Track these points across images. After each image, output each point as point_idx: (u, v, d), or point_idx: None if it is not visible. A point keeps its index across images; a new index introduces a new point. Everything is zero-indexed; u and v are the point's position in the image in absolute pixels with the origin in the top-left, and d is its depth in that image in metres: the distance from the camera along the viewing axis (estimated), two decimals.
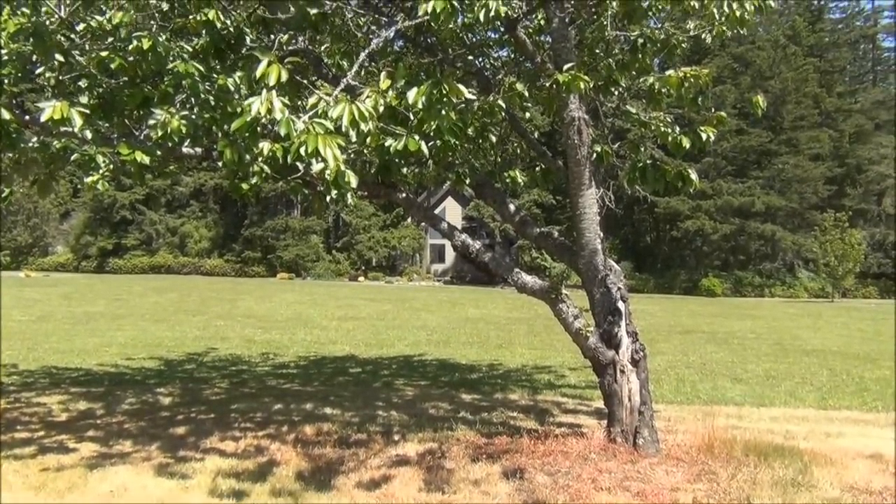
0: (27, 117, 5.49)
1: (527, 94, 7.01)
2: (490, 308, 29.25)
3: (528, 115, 8.26)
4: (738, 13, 6.47)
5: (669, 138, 7.02)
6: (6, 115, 4.71)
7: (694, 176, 6.92)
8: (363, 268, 57.82)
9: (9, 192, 6.47)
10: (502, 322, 23.14)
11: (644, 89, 7.30)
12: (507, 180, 8.38)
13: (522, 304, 27.67)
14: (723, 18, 6.59)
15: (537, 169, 8.53)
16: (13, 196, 6.57)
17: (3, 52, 5.35)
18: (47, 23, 5.34)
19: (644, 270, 53.92)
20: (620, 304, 6.93)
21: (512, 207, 7.95)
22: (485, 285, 48.45)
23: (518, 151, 8.85)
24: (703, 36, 6.95)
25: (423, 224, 54.48)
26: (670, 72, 6.64)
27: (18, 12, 5.37)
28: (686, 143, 6.89)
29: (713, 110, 6.87)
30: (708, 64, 35.92)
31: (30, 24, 5.19)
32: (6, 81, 5.35)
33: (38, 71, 5.78)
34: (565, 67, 5.96)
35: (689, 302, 40.09)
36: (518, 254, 52.19)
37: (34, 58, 5.56)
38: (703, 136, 6.75)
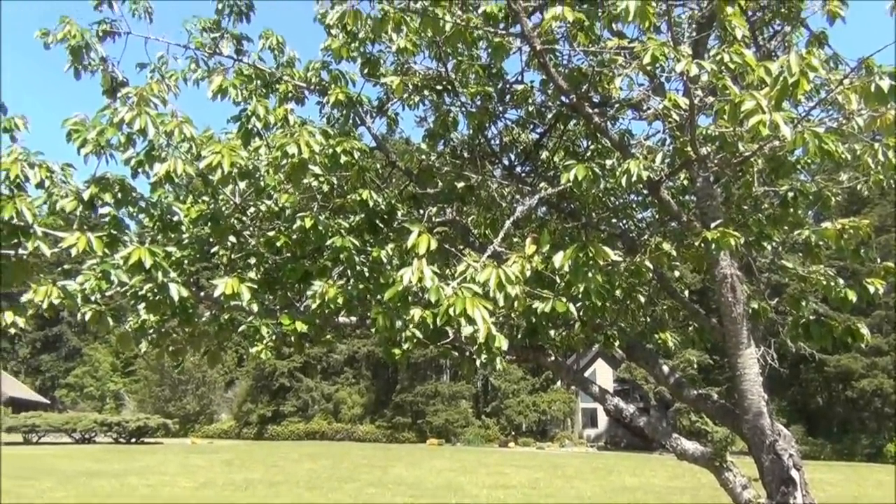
0: (202, 293, 5.97)
1: (674, 253, 6.92)
2: (648, 476, 27.56)
3: (677, 273, 8.11)
4: (894, 161, 6.23)
5: (833, 292, 6.65)
6: (184, 293, 5.14)
7: (864, 331, 6.45)
8: (513, 433, 56.58)
9: (181, 363, 6.95)
10: (663, 492, 21.67)
11: (800, 243, 7.03)
12: (659, 341, 8.13)
13: (684, 471, 25.92)
14: (878, 168, 6.35)
15: (690, 328, 8.25)
16: (184, 366, 7.03)
17: (185, 235, 5.94)
18: (223, 209, 5.93)
19: (818, 435, 49.56)
20: (794, 473, 6.34)
21: (665, 369, 7.65)
22: (641, 451, 45.99)
23: (669, 311, 8.63)
24: (858, 187, 6.71)
25: (573, 388, 53.19)
26: (827, 224, 6.39)
27: (199, 200, 6.01)
28: (852, 296, 6.49)
29: (879, 261, 6.49)
30: (868, 213, 34.30)
31: (209, 211, 5.78)
32: (186, 262, 5.90)
33: (213, 251, 6.34)
34: (713, 225, 5.87)
35: (874, 470, 36.11)
36: (676, 417, 49.53)
37: (210, 240, 6.13)
38: (871, 289, 6.34)
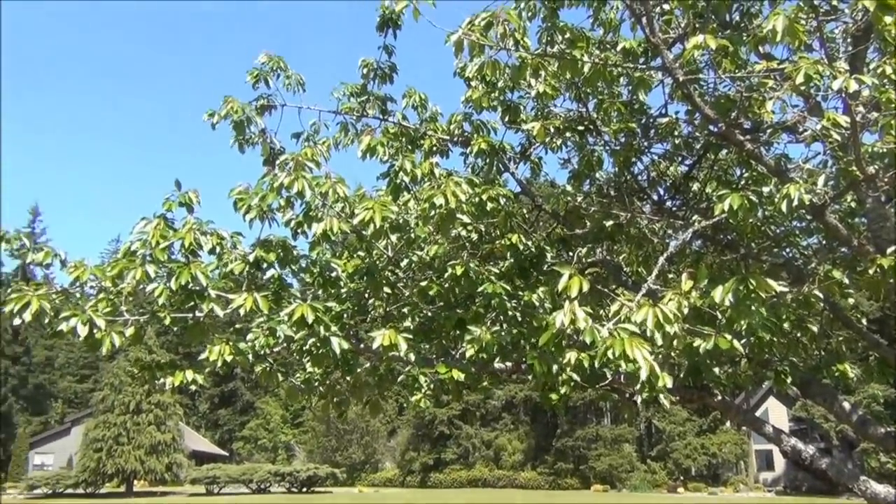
0: (361, 345, 6.17)
1: (846, 280, 6.45)
2: None
3: (851, 301, 7.54)
4: None
5: None
6: (345, 345, 5.33)
7: None
8: (681, 478, 54.01)
9: (345, 413, 7.18)
10: None
11: None
12: (837, 375, 7.56)
13: None
14: None
15: (871, 360, 7.61)
16: (348, 416, 7.25)
17: (343, 290, 6.18)
18: (377, 262, 6.14)
19: None
20: None
21: (847, 405, 7.08)
22: (826, 495, 42.56)
23: (845, 342, 8.02)
24: None
25: (744, 428, 50.26)
26: None
27: (355, 256, 6.26)
28: None
29: None
30: None
31: (364, 265, 6.00)
32: (345, 316, 6.13)
33: (369, 303, 6.55)
34: (889, 250, 5.45)
35: None
36: (863, 458, 45.56)
37: (367, 293, 6.34)
38: None
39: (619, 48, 6.28)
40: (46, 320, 4.90)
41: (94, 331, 4.87)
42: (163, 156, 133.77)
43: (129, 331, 5.22)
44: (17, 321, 4.86)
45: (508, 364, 6.39)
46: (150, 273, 5.00)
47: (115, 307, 5.18)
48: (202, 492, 52.62)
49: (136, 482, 52.28)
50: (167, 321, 5.20)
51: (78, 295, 5.17)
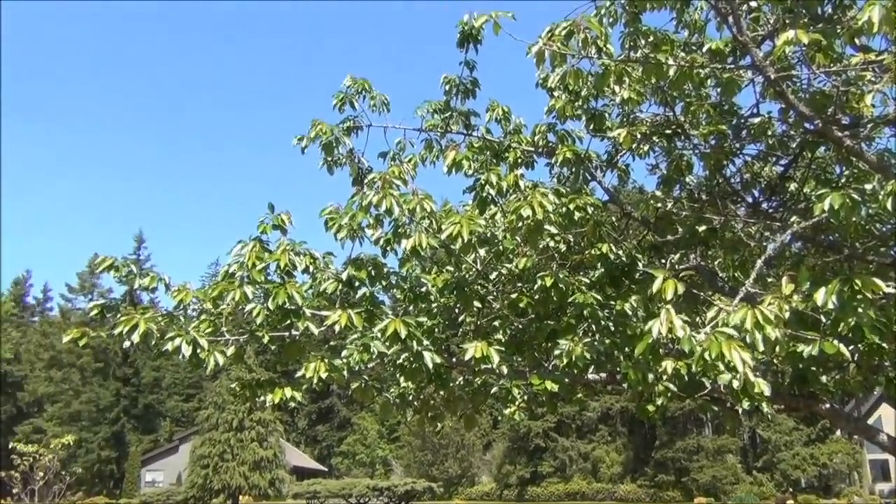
0: (453, 359, 6.20)
1: None
2: None
3: None
4: None
5: None
6: (437, 360, 5.37)
7: None
8: (790, 489, 51.76)
9: (440, 427, 7.22)
10: None
11: None
12: None
13: None
14: None
15: None
16: (443, 430, 7.28)
17: (434, 305, 6.24)
18: (466, 276, 6.17)
19: None
20: None
21: None
22: None
23: None
24: None
25: (856, 437, 47.92)
26: None
27: (444, 270, 6.30)
28: None
29: None
30: None
31: (453, 280, 6.04)
32: (437, 330, 6.17)
33: (460, 319, 6.58)
34: None
35: None
36: None
37: (457, 307, 6.37)
38: None
39: (705, 49, 6.13)
40: (153, 342, 5.14)
41: (198, 350, 5.07)
42: (254, 180, 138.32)
43: (230, 350, 5.41)
44: (126, 343, 5.11)
45: (603, 375, 6.30)
46: (248, 294, 5.18)
47: (217, 328, 5.38)
48: None
49: (241, 497, 53.85)
50: (265, 340, 5.36)
51: (182, 317, 5.40)
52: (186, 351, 5.02)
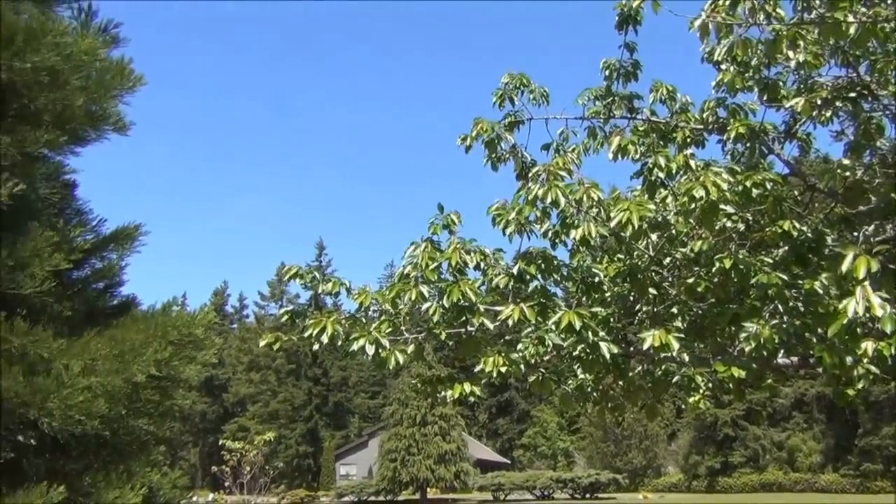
0: (631, 348, 6.07)
1: None
2: None
3: None
4: None
5: None
6: (614, 349, 5.28)
7: None
8: None
9: (621, 418, 7.10)
10: None
11: None
12: None
13: None
14: None
15: None
16: (625, 421, 7.17)
17: (607, 294, 6.14)
18: (639, 263, 6.02)
19: None
20: None
21: None
22: None
23: None
24: None
25: None
26: None
27: (615, 259, 6.19)
28: None
29: None
30: None
31: (625, 267, 5.92)
32: (612, 319, 6.07)
33: (636, 308, 6.43)
34: None
35: None
36: None
37: (631, 295, 6.24)
38: None
39: (890, 0, 5.61)
40: (339, 343, 5.42)
41: (380, 350, 5.29)
42: (420, 181, 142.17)
43: (410, 348, 5.60)
44: (315, 346, 5.44)
45: (794, 359, 5.94)
46: (424, 293, 5.34)
47: (396, 327, 5.59)
48: (489, 498, 54.62)
49: (428, 489, 55.59)
50: (443, 337, 5.50)
51: (364, 318, 5.66)
52: (370, 350, 5.25)
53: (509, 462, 71.36)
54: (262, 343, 5.90)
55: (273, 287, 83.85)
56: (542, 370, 5.81)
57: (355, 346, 5.25)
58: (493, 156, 6.69)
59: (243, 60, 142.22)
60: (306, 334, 5.37)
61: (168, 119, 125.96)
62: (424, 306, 5.40)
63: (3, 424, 4.43)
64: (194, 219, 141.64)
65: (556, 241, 5.66)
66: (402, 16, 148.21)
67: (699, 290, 5.78)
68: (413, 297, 5.33)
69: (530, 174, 5.82)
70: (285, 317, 5.94)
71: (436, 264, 5.44)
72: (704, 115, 6.58)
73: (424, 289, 5.35)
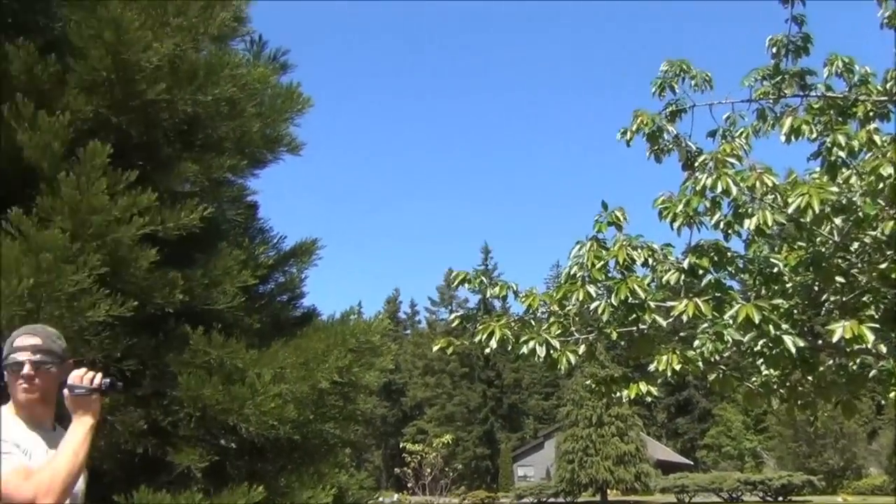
0: (819, 341, 5.70)
1: None
2: None
3: None
4: None
5: None
6: (800, 343, 4.98)
7: None
8: None
9: (814, 416, 6.67)
10: None
11: None
12: None
13: None
14: None
15: None
16: (819, 419, 6.73)
17: (788, 285, 5.80)
18: (822, 250, 5.64)
19: None
20: None
21: None
22: None
23: None
24: None
25: None
26: None
27: (795, 247, 5.84)
28: None
29: None
30: None
31: (808, 255, 5.57)
32: (795, 312, 5.73)
33: (822, 298, 6.03)
34: None
35: None
36: None
37: (816, 285, 5.86)
38: None
39: None
40: (509, 346, 5.48)
41: (551, 351, 5.30)
42: (583, 178, 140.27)
43: (581, 348, 5.57)
44: (486, 350, 5.53)
45: None
46: (592, 293, 5.29)
47: (566, 328, 5.57)
48: (673, 501, 52.91)
49: (608, 491, 54.69)
50: (613, 336, 5.43)
51: (532, 320, 5.68)
52: (540, 352, 5.27)
53: (692, 463, 68.72)
54: (435, 348, 6.07)
55: (442, 292, 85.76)
56: (723, 367, 5.59)
57: (525, 349, 5.29)
58: (656, 148, 6.51)
59: (403, 65, 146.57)
60: (476, 339, 5.47)
61: (332, 130, 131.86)
62: (593, 305, 5.34)
63: (207, 429, 4.83)
64: (364, 228, 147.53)
65: (729, 231, 5.41)
66: (550, 11, 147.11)
67: (893, 276, 5.33)
68: (581, 297, 5.29)
69: (696, 164, 5.62)
70: (456, 322, 6.09)
71: (602, 263, 5.37)
72: (888, 86, 6.07)
73: (592, 288, 5.29)
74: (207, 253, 5.22)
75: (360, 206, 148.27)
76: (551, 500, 56.24)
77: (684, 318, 4.95)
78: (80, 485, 2.61)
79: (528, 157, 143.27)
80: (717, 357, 5.20)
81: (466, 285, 5.93)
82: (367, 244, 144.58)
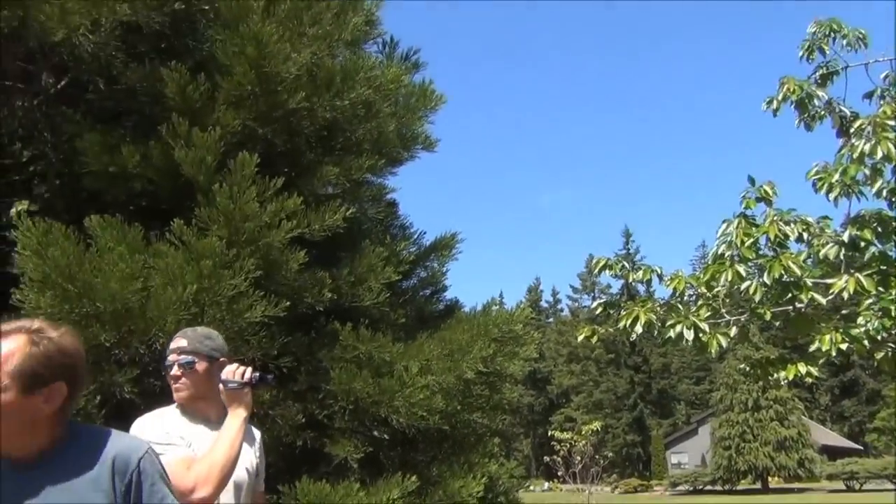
0: None
1: None
2: None
3: None
4: None
5: None
6: None
7: None
8: None
9: None
10: None
11: None
12: None
13: None
14: None
15: None
16: None
17: None
18: None
19: None
20: None
21: None
22: None
23: None
24: None
25: None
26: None
27: None
28: None
29: None
30: None
31: None
32: None
33: None
34: None
35: None
36: None
37: None
38: None
39: None
40: (655, 331, 5.33)
41: (700, 335, 5.11)
42: (724, 152, 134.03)
43: (733, 331, 5.33)
44: (632, 336, 5.41)
45: None
46: (742, 272, 5.05)
47: (715, 310, 5.36)
48: (841, 488, 49.84)
49: (769, 478, 52.26)
50: (767, 316, 5.16)
51: (679, 304, 5.50)
52: (688, 336, 5.09)
53: (861, 448, 64.40)
54: (580, 337, 6.00)
55: (584, 279, 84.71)
56: (891, 345, 5.20)
57: (672, 333, 5.13)
58: (806, 115, 6.12)
59: (537, 52, 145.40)
60: (620, 325, 5.36)
61: (467, 124, 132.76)
62: (744, 286, 5.11)
63: (360, 421, 5.01)
64: (502, 219, 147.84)
65: (894, 199, 5.02)
66: None
67: None
68: (730, 278, 5.06)
69: (853, 129, 5.25)
70: (599, 309, 5.99)
71: (752, 240, 5.11)
72: None
73: (742, 268, 5.05)
74: (352, 252, 5.40)
75: (498, 197, 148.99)
76: (708, 487, 54.31)
77: (845, 294, 4.65)
78: (244, 475, 2.74)
79: (667, 135, 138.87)
80: (885, 334, 4.84)
81: (608, 271, 5.82)
82: (506, 235, 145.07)
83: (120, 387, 4.22)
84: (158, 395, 2.75)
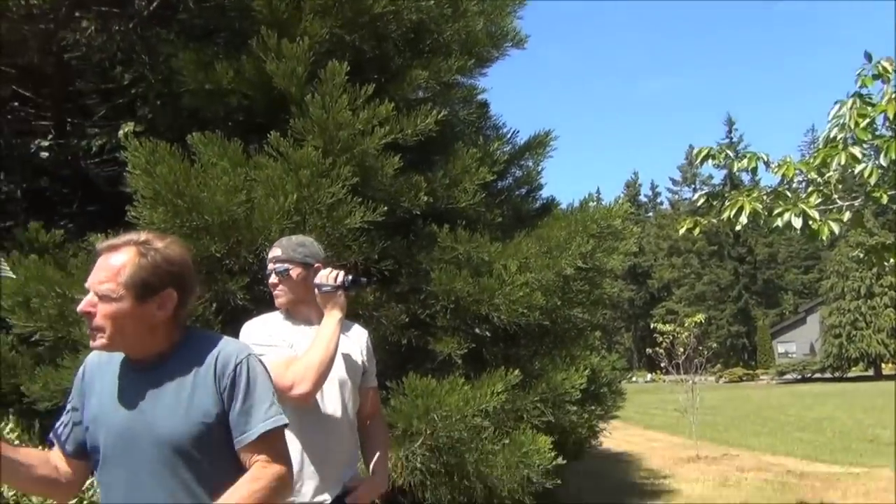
0: None
1: None
2: None
3: None
4: None
5: None
6: None
7: None
8: None
9: None
10: None
11: None
12: None
13: None
14: None
15: None
16: None
17: None
18: None
19: None
20: None
21: None
22: None
23: None
24: None
25: None
26: None
27: None
28: None
29: None
30: None
31: None
32: None
33: None
34: None
35: None
36: None
37: None
38: None
39: None
40: (761, 221, 5.15)
41: (810, 222, 4.91)
42: (829, 32, 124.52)
43: (846, 216, 5.09)
44: (737, 227, 5.24)
45: None
46: (857, 154, 4.78)
47: (827, 196, 5.12)
48: None
49: (883, 365, 50.81)
50: (884, 200, 4.90)
51: (787, 192, 5.27)
52: (797, 224, 4.90)
53: None
54: (681, 230, 5.87)
55: (684, 171, 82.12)
56: None
57: (780, 222, 4.95)
58: None
59: None
60: (724, 216, 5.20)
61: (558, 16, 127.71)
62: (858, 169, 4.84)
63: (462, 319, 5.11)
64: (598, 114, 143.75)
65: None
66: None
67: None
68: (843, 161, 4.80)
69: None
70: (701, 200, 5.81)
71: (868, 121, 4.80)
72: None
73: (856, 150, 4.77)
74: (445, 154, 5.38)
75: (592, 91, 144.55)
76: (816, 375, 53.35)
77: None
78: (345, 373, 2.85)
79: (767, 13, 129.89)
80: None
81: (711, 161, 5.61)
82: (602, 130, 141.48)
83: (233, 294, 4.44)
84: (269, 301, 2.87)
